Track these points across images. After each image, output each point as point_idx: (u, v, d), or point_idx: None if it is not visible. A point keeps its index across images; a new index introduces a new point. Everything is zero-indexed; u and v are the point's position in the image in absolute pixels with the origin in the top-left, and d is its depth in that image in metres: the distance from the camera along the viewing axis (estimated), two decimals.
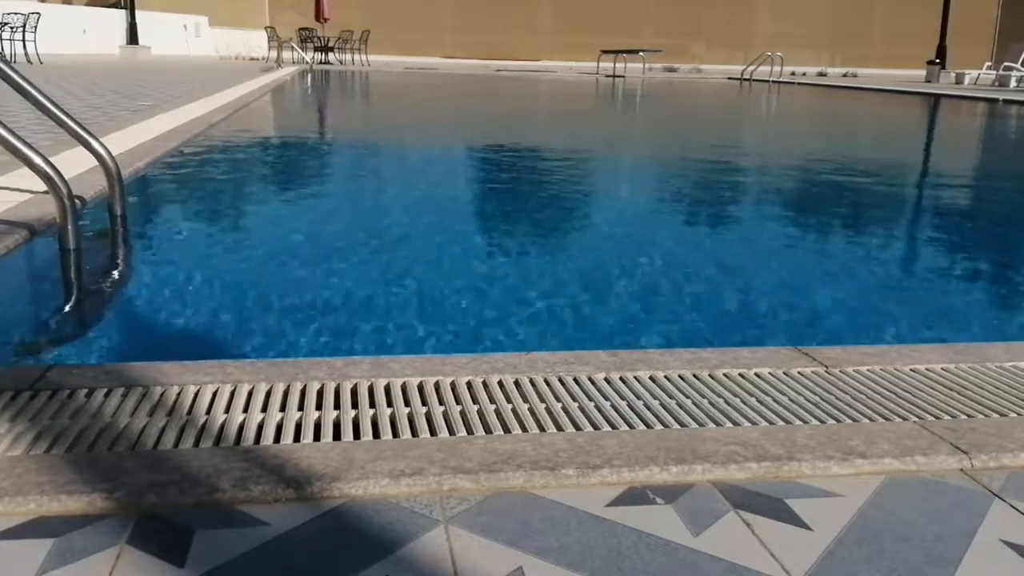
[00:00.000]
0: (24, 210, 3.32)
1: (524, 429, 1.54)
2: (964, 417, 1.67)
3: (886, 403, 1.73)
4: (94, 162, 3.53)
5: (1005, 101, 15.72)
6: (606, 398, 1.70)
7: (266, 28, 26.18)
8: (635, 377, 1.81)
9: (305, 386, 1.70)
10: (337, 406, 1.62)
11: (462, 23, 35.22)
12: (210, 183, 4.97)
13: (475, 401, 1.66)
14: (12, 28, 15.88)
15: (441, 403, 1.65)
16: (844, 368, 1.92)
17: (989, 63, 24.61)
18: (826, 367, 1.92)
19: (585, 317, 2.67)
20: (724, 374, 1.85)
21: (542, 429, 1.55)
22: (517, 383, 1.76)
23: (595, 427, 1.57)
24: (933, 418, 1.66)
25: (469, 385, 1.74)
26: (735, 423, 1.60)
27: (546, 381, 1.77)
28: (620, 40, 26.92)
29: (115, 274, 3.08)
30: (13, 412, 1.55)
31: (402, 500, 1.32)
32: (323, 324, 2.50)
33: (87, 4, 26.20)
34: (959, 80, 22.64)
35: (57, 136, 4.88)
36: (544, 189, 5.35)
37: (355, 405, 1.62)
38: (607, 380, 1.79)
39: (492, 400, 1.67)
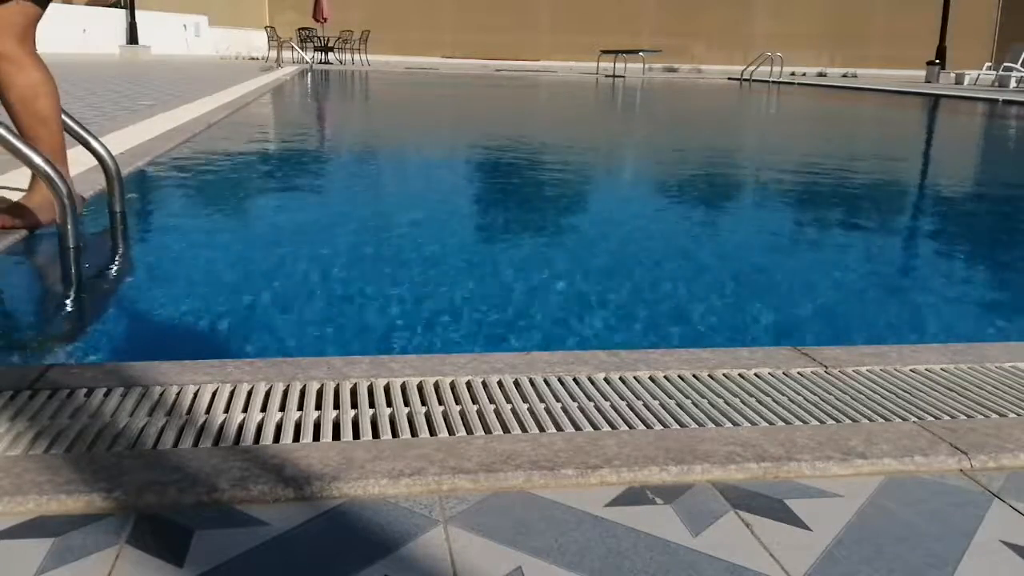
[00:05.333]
0: None
1: (523, 429, 1.54)
2: (963, 417, 1.67)
3: (885, 403, 1.73)
4: (94, 161, 3.53)
5: (1005, 102, 15.73)
6: (605, 398, 1.70)
7: (266, 28, 26.22)
8: (635, 377, 1.81)
9: (305, 386, 1.70)
10: (337, 406, 1.62)
11: (462, 23, 35.24)
12: (209, 182, 4.97)
13: (475, 401, 1.66)
14: None
15: (441, 403, 1.65)
16: (844, 368, 1.92)
17: (989, 64, 24.64)
18: (825, 367, 1.92)
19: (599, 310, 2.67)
20: (724, 374, 1.85)
21: (541, 429, 1.55)
22: (517, 383, 1.76)
23: (594, 427, 1.57)
24: (932, 418, 1.66)
25: (469, 385, 1.74)
26: (734, 423, 1.60)
27: (546, 381, 1.77)
28: (620, 40, 26.97)
29: (115, 273, 3.08)
30: (12, 411, 1.54)
31: (401, 500, 1.32)
32: (322, 323, 2.50)
33: (87, 4, 26.20)
34: (959, 81, 22.66)
35: None
36: (555, 187, 5.35)
37: (354, 405, 1.62)
38: (607, 380, 1.79)
39: (492, 400, 1.67)
